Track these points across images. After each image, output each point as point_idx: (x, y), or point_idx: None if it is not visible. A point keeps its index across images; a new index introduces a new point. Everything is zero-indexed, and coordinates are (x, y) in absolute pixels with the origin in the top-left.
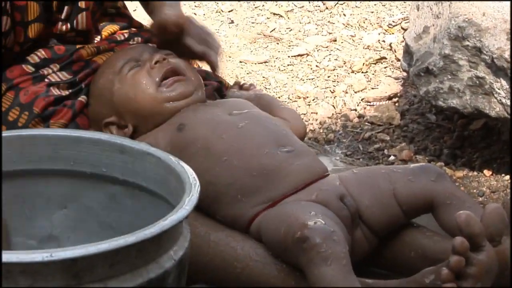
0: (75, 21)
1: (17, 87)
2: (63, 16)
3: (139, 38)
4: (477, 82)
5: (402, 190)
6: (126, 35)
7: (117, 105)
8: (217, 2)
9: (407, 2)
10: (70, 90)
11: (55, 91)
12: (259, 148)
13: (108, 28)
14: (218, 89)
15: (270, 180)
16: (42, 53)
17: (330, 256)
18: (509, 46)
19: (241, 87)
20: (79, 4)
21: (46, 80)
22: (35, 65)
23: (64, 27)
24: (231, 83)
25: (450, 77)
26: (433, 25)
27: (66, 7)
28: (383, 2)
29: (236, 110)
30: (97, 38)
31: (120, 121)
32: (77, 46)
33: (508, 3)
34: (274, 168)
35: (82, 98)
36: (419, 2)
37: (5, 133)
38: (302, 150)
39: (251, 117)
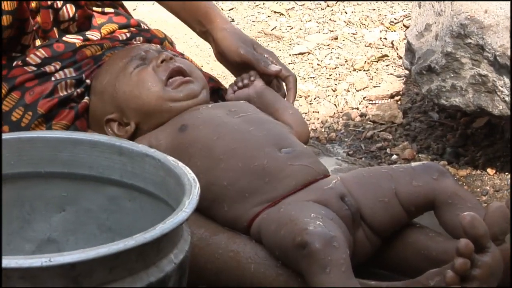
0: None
1: (22, 87)
2: None
3: (141, 38)
4: (480, 80)
5: (403, 189)
6: (128, 35)
7: (120, 102)
8: (217, 0)
9: None
10: (78, 89)
11: (61, 91)
12: (259, 150)
13: (107, 27)
14: (216, 91)
15: (270, 180)
16: (41, 52)
17: (329, 263)
18: None
19: (243, 84)
20: None
21: (52, 78)
22: (36, 66)
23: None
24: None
25: (452, 75)
26: (435, 23)
27: None
28: None
29: (239, 113)
30: (97, 35)
31: (122, 118)
32: (78, 45)
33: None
34: (274, 168)
35: (86, 99)
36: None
37: (4, 136)
38: (303, 151)
39: (253, 120)
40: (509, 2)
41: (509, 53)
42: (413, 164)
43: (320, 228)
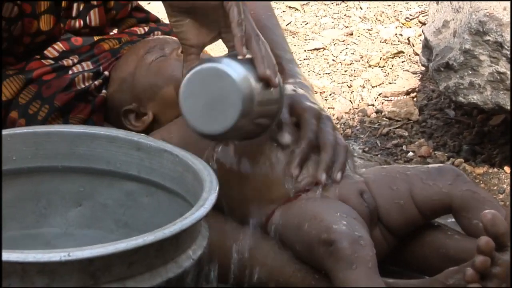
0: (87, 18)
1: (40, 80)
2: (74, 14)
3: (159, 32)
4: (498, 77)
5: (419, 192)
6: (146, 29)
7: (139, 92)
8: None
9: None
10: (95, 81)
11: (79, 85)
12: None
13: (126, 22)
14: None
15: (285, 175)
16: (59, 45)
17: (356, 260)
18: None
19: None
20: (91, 1)
21: (69, 72)
22: (54, 59)
23: (77, 24)
24: None
25: (470, 72)
26: (453, 20)
27: (75, 4)
28: None
29: None
30: (114, 31)
31: (139, 109)
32: (96, 39)
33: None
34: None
35: (104, 93)
36: None
37: (20, 130)
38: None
39: None
40: (509, 2)
41: None
42: (429, 166)
43: (345, 227)
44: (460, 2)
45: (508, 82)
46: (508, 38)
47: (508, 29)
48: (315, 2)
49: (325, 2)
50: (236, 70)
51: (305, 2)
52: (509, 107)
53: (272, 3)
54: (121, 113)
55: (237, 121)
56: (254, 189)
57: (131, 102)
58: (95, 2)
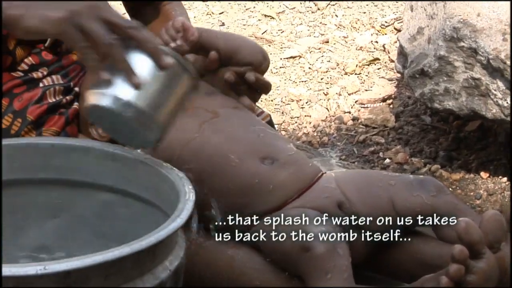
0: (58, 48)
1: (11, 93)
2: (46, 44)
3: None
4: (473, 83)
5: (401, 203)
6: None
7: None
8: (207, 4)
9: (400, 2)
10: (67, 96)
11: (50, 98)
12: (241, 166)
13: None
14: None
15: (257, 196)
16: (29, 59)
17: (332, 269)
18: (505, 47)
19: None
20: None
21: (40, 84)
22: (23, 72)
23: (47, 50)
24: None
25: (445, 78)
26: (428, 26)
27: (48, 39)
28: (375, 3)
29: (209, 119)
30: None
31: None
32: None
33: (504, 3)
34: (259, 183)
35: (76, 105)
36: (413, 3)
37: None
38: (286, 160)
39: (226, 127)
40: (508, 3)
41: (502, 56)
42: (412, 177)
43: (324, 234)
44: (435, 9)
45: (483, 88)
46: (482, 44)
47: (482, 35)
48: (291, 10)
49: (300, 10)
50: (114, 98)
51: (281, 10)
52: (484, 113)
53: (248, 12)
54: (89, 124)
55: (149, 135)
56: (238, 200)
57: None
58: None
